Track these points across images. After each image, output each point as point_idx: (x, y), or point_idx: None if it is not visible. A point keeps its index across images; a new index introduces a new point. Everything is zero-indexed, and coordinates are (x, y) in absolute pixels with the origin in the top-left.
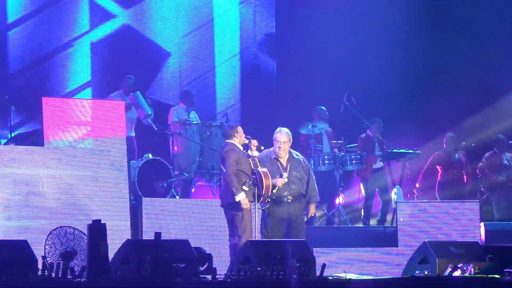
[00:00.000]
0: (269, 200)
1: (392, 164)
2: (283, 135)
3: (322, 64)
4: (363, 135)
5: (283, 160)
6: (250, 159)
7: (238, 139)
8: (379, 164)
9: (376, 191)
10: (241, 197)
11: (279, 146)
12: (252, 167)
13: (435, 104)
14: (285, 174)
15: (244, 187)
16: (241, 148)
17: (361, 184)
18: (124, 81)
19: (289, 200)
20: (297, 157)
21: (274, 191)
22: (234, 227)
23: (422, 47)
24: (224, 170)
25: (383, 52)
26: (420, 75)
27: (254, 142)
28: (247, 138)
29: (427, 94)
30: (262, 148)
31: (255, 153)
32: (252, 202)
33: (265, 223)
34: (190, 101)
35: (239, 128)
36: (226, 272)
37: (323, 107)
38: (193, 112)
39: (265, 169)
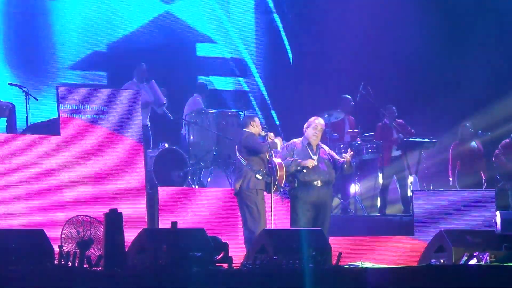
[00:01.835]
0: (281, 190)
1: (408, 154)
2: (320, 123)
3: (339, 53)
4: (380, 123)
5: (314, 147)
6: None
7: (254, 128)
8: (396, 152)
9: (394, 179)
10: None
11: (315, 133)
12: (268, 157)
13: (451, 93)
14: (315, 157)
15: (257, 176)
16: (257, 137)
17: (379, 172)
18: (136, 68)
19: (319, 184)
20: (324, 147)
21: (305, 170)
22: (247, 216)
23: (439, 36)
24: (241, 160)
25: (399, 42)
26: (436, 64)
27: (271, 135)
28: (264, 129)
29: (444, 84)
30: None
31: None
32: (264, 191)
33: (294, 207)
34: (205, 93)
35: (256, 118)
36: (242, 261)
37: (348, 96)
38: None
39: (279, 160)
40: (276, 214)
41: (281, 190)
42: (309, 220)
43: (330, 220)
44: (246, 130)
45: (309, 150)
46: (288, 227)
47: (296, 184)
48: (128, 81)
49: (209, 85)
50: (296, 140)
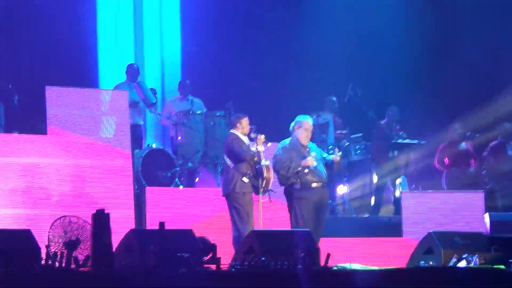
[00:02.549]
0: (269, 193)
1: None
2: (311, 123)
3: (327, 53)
4: (383, 121)
5: (306, 147)
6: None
7: (241, 129)
8: (393, 153)
9: (388, 180)
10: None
11: (307, 135)
12: (256, 159)
13: (440, 94)
14: (313, 153)
15: (244, 179)
16: (245, 138)
17: (375, 173)
18: (128, 68)
19: (320, 185)
20: (313, 145)
21: (306, 171)
22: (235, 218)
23: (428, 37)
24: (228, 161)
25: (388, 42)
26: (425, 66)
27: (261, 137)
28: (251, 130)
29: (432, 84)
30: (269, 144)
31: (261, 148)
32: (250, 193)
33: (297, 209)
34: (184, 90)
35: (244, 119)
36: (230, 262)
37: (333, 98)
38: (198, 99)
39: (268, 163)
40: (264, 215)
41: (269, 193)
42: (314, 222)
43: (324, 222)
44: (233, 131)
45: (304, 152)
46: (276, 227)
47: (299, 185)
48: (120, 81)
49: None
50: (287, 142)
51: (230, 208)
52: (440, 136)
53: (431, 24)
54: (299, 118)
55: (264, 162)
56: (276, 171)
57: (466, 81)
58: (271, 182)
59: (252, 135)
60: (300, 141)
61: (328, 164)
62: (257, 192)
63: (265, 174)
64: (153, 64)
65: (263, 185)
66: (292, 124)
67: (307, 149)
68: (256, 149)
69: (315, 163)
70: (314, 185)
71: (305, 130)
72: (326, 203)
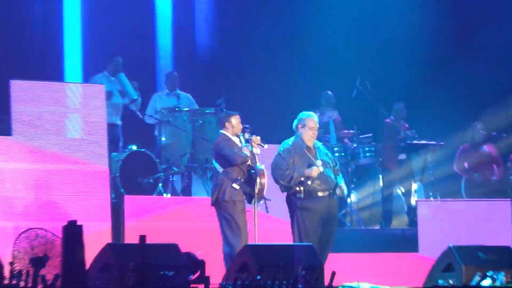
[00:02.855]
0: (262, 202)
1: (412, 157)
2: (316, 120)
3: (332, 44)
4: (388, 120)
5: (312, 149)
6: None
7: (231, 129)
8: (402, 155)
9: (398, 187)
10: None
11: (313, 134)
12: (249, 162)
13: (461, 88)
14: (319, 162)
15: (234, 185)
16: (236, 140)
17: (381, 179)
18: (111, 61)
19: (327, 194)
20: (320, 145)
21: (309, 182)
22: (225, 230)
23: (449, 24)
24: (217, 166)
25: (400, 30)
26: (443, 56)
27: (256, 139)
28: (245, 129)
29: (452, 77)
30: (266, 146)
31: (256, 151)
32: (242, 201)
33: (300, 221)
34: (171, 83)
35: (234, 117)
36: (221, 281)
37: (329, 92)
38: (187, 95)
39: (262, 167)
40: (260, 227)
41: (263, 201)
42: (320, 236)
43: (335, 235)
44: (223, 132)
45: (309, 155)
46: (274, 241)
47: (302, 195)
48: (99, 73)
49: None
50: (289, 143)
51: (220, 218)
52: (461, 137)
53: (450, 10)
54: (303, 115)
55: (258, 166)
56: (275, 179)
57: (490, 74)
58: (265, 188)
59: (246, 136)
60: (305, 142)
61: None
62: (249, 201)
63: (259, 180)
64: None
65: (257, 192)
66: (295, 122)
67: (313, 151)
68: (251, 151)
69: (320, 170)
70: (320, 194)
71: (310, 130)
72: (334, 215)
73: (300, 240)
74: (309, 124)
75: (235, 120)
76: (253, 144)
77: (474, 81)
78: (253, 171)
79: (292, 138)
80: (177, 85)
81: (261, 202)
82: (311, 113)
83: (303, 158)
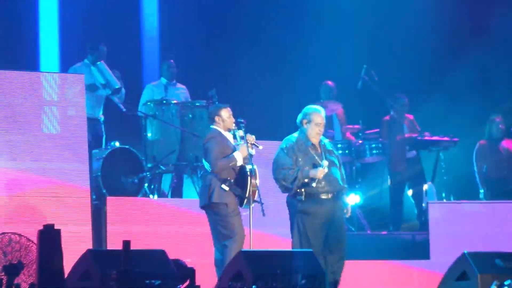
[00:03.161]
0: (253, 206)
1: (423, 155)
2: (323, 115)
3: (334, 30)
4: (387, 117)
5: (318, 147)
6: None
7: (222, 124)
8: (410, 153)
9: (408, 188)
10: (237, 156)
11: (319, 131)
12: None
13: (476, 79)
14: (325, 162)
15: (223, 186)
16: (229, 135)
17: (389, 179)
18: (95, 50)
19: (330, 196)
20: (326, 142)
21: (314, 184)
22: (217, 235)
23: (460, 6)
24: (206, 165)
25: (410, 14)
26: (457, 43)
27: (251, 138)
28: (240, 124)
29: (465, 67)
30: (261, 147)
31: (251, 151)
32: (234, 203)
33: (301, 226)
34: (169, 72)
35: (224, 110)
36: None
37: (330, 83)
38: (181, 86)
39: (255, 167)
40: (256, 231)
41: (261, 205)
42: (322, 242)
43: (345, 241)
44: (213, 127)
45: (314, 153)
46: (269, 247)
47: (303, 197)
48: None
49: None
50: (293, 140)
51: (210, 222)
52: (477, 132)
53: None
54: (309, 109)
55: (252, 166)
56: (276, 179)
57: (509, 63)
58: (258, 191)
59: (241, 134)
60: (310, 139)
61: None
62: (241, 204)
63: (251, 181)
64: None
65: (246, 195)
66: (300, 117)
67: (319, 150)
68: (248, 152)
69: (326, 170)
70: (323, 196)
71: (316, 126)
72: (339, 218)
73: (300, 247)
74: (315, 120)
75: (226, 113)
76: (248, 144)
77: (491, 70)
78: (245, 172)
79: (295, 134)
80: (175, 75)
81: (252, 205)
82: (317, 107)
83: (307, 157)
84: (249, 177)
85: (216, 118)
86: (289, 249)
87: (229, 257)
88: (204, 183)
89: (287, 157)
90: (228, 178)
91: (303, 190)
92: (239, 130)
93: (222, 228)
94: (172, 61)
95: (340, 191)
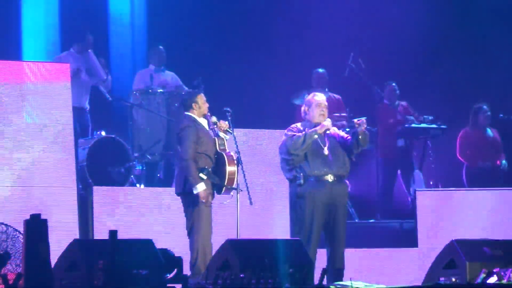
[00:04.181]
0: (233, 191)
1: (411, 143)
2: (323, 97)
3: (321, 17)
4: (381, 104)
5: (320, 132)
6: (215, 137)
7: (197, 110)
8: (400, 141)
9: (399, 175)
10: (199, 188)
11: (321, 111)
12: (218, 148)
13: (463, 66)
14: (326, 151)
15: (201, 175)
16: (204, 121)
17: (377, 167)
18: (81, 39)
19: (331, 180)
20: (332, 129)
21: (316, 136)
22: (190, 223)
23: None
24: (180, 153)
25: (397, 3)
26: (444, 30)
27: (223, 124)
28: (225, 112)
29: (453, 54)
30: (235, 135)
31: (225, 136)
32: (210, 193)
33: (298, 210)
34: (157, 59)
35: (199, 96)
36: (199, 280)
37: (320, 70)
38: (170, 74)
39: (231, 153)
40: (245, 220)
41: (233, 193)
42: (319, 227)
43: (345, 227)
44: (188, 114)
45: (317, 138)
46: (256, 236)
47: (302, 180)
48: (65, 51)
49: None
50: (298, 124)
51: (186, 209)
52: (466, 120)
53: None
54: (307, 97)
55: (226, 152)
56: (284, 159)
57: (496, 49)
58: (235, 177)
59: (213, 119)
60: (313, 120)
61: (350, 144)
62: (218, 191)
63: (228, 168)
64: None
65: (225, 183)
66: (302, 107)
67: (322, 134)
68: (218, 135)
69: (330, 126)
70: (325, 178)
71: (316, 106)
72: (340, 203)
73: (298, 233)
74: (314, 102)
75: (201, 100)
76: (220, 130)
77: (482, 59)
78: (223, 159)
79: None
80: (164, 60)
81: (232, 193)
82: (314, 93)
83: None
84: (226, 164)
85: (194, 105)
86: (278, 237)
87: (193, 248)
88: (180, 170)
89: (292, 133)
90: (206, 167)
91: (301, 174)
92: (212, 116)
93: (192, 217)
94: (161, 47)
95: (343, 175)
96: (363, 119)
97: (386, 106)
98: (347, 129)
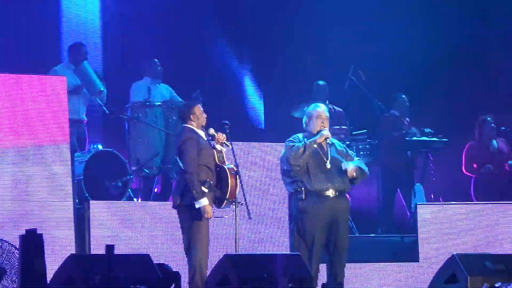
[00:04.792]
0: (233, 204)
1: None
2: (323, 109)
3: (321, 30)
4: (388, 114)
5: (324, 144)
6: (214, 150)
7: (196, 121)
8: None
9: (398, 190)
10: (203, 203)
11: (322, 122)
12: (217, 161)
13: (466, 78)
14: (328, 165)
15: (203, 188)
16: (202, 133)
17: (378, 180)
18: (73, 50)
19: (332, 195)
20: (336, 143)
21: (316, 144)
22: (188, 237)
23: (450, 8)
24: (182, 166)
25: (399, 14)
26: (446, 42)
27: (220, 136)
28: (224, 125)
29: (456, 66)
30: (234, 148)
31: (222, 149)
32: (212, 207)
33: (299, 225)
34: (153, 71)
35: (197, 107)
36: None
37: (321, 82)
38: (165, 86)
39: (231, 165)
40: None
41: (233, 205)
42: (321, 242)
43: (348, 242)
44: (187, 125)
45: (319, 150)
46: (255, 251)
47: (303, 195)
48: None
49: None
50: (297, 135)
51: (184, 224)
52: (467, 132)
53: None
54: (308, 108)
55: (227, 165)
56: (287, 160)
57: (499, 61)
58: (236, 190)
59: (211, 132)
60: (314, 132)
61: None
62: (219, 205)
63: (229, 180)
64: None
65: (227, 196)
66: (303, 119)
67: (325, 147)
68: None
69: (329, 135)
70: (326, 193)
71: (317, 118)
72: (342, 219)
73: (298, 248)
74: (315, 113)
75: (199, 111)
76: (217, 142)
77: (486, 71)
78: (224, 172)
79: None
80: (160, 74)
81: (232, 206)
82: (316, 104)
83: (312, 151)
84: (228, 177)
85: (192, 117)
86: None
87: (192, 265)
88: (179, 182)
89: (292, 143)
90: (207, 180)
91: (303, 188)
92: (210, 128)
93: (189, 232)
94: (156, 60)
95: (344, 190)
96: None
97: (395, 118)
98: (347, 142)
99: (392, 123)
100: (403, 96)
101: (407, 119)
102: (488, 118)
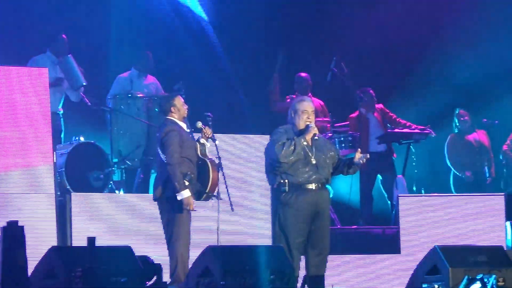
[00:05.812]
0: (213, 197)
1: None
2: (309, 103)
3: (304, 22)
4: (354, 114)
5: (308, 138)
6: (197, 142)
7: (177, 113)
8: (379, 147)
9: (380, 181)
10: (185, 195)
11: (307, 117)
12: (199, 153)
13: (448, 69)
14: (313, 160)
15: (184, 181)
16: (183, 125)
17: (359, 173)
18: (55, 40)
19: (314, 187)
20: (320, 137)
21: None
22: (170, 229)
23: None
24: (164, 158)
25: (379, 8)
26: (426, 34)
27: (208, 131)
28: (206, 117)
29: (437, 59)
30: (217, 142)
31: (206, 143)
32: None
33: (281, 218)
34: (144, 64)
35: (177, 99)
36: (179, 287)
37: (303, 74)
38: (152, 78)
39: (212, 158)
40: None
41: (214, 199)
42: (304, 235)
43: (329, 234)
44: (169, 118)
45: (305, 145)
46: (237, 243)
47: (286, 188)
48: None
49: None
50: (280, 129)
51: (164, 216)
52: (448, 125)
53: None
54: (294, 101)
55: (208, 158)
56: (270, 164)
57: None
58: (217, 184)
59: (199, 125)
60: (299, 127)
61: (341, 169)
62: (198, 198)
63: (210, 173)
64: None
65: (208, 189)
66: (289, 112)
67: (310, 143)
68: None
69: (317, 131)
70: (308, 186)
71: (303, 113)
72: (324, 210)
73: (280, 240)
74: (300, 108)
75: (179, 102)
76: (204, 136)
77: (467, 64)
78: (206, 166)
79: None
80: (150, 67)
81: (212, 200)
82: (303, 97)
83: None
84: (209, 170)
85: (172, 109)
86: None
87: (174, 257)
88: (160, 174)
89: (278, 137)
90: (188, 172)
91: (286, 181)
92: (198, 122)
93: (171, 224)
94: (148, 52)
95: (326, 182)
96: (368, 156)
97: (361, 116)
98: (329, 134)
99: (355, 122)
100: (369, 89)
101: (380, 105)
102: (461, 112)
